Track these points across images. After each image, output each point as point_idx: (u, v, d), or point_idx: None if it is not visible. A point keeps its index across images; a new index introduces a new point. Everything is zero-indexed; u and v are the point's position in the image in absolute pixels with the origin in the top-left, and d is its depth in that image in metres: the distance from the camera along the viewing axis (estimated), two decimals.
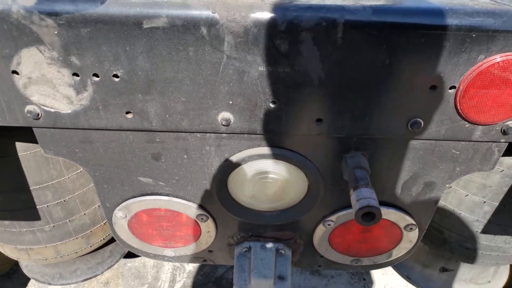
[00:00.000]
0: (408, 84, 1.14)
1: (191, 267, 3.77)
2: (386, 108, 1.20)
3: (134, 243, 1.73)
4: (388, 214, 1.53)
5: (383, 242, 1.68)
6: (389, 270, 3.79)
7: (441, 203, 1.97)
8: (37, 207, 1.83)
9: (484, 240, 1.98)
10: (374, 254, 1.74)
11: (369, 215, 1.17)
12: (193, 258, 1.83)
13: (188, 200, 1.53)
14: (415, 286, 2.41)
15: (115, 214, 1.57)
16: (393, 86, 1.15)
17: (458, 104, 1.18)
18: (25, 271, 2.47)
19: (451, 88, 1.14)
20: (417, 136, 1.27)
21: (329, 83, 1.14)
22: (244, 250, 1.72)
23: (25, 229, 1.91)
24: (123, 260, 3.76)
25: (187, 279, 3.64)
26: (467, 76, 1.11)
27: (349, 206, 1.52)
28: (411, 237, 1.64)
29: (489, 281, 2.37)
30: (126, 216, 1.58)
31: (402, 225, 1.58)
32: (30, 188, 1.76)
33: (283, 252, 1.72)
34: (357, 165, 1.31)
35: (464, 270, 2.30)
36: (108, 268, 2.44)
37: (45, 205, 1.84)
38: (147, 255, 1.81)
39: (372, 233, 1.63)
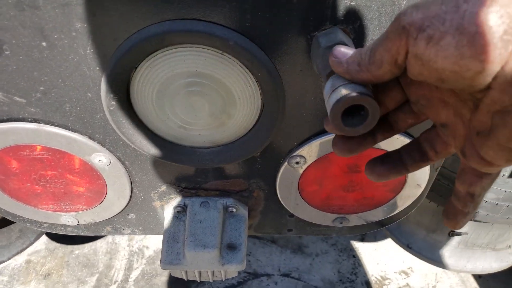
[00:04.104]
0: None
1: (152, 251, 3.21)
2: None
3: (12, 207, 1.16)
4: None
5: (378, 188, 1.15)
6: (382, 245, 3.31)
7: None
8: None
9: (508, 191, 1.47)
10: (366, 208, 1.21)
11: (354, 113, 0.62)
12: (109, 228, 1.27)
13: (72, 130, 0.97)
14: (417, 257, 1.89)
15: None
16: None
17: None
18: None
19: None
20: None
21: None
22: (176, 210, 1.17)
23: None
24: (69, 247, 3.19)
25: (146, 265, 3.09)
26: None
27: (326, 130, 0.96)
28: (420, 177, 1.11)
29: (509, 246, 1.88)
30: None
31: None
32: None
33: (234, 210, 1.18)
34: (334, 42, 0.77)
35: (480, 233, 1.79)
36: (17, 253, 1.88)
37: None
38: (40, 225, 1.24)
39: (363, 173, 1.10)
